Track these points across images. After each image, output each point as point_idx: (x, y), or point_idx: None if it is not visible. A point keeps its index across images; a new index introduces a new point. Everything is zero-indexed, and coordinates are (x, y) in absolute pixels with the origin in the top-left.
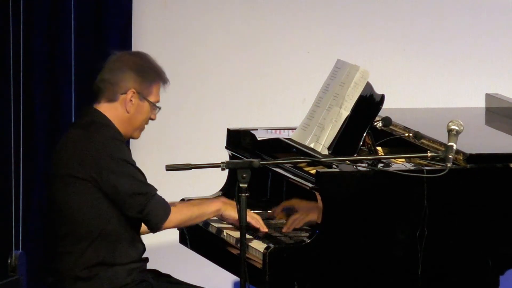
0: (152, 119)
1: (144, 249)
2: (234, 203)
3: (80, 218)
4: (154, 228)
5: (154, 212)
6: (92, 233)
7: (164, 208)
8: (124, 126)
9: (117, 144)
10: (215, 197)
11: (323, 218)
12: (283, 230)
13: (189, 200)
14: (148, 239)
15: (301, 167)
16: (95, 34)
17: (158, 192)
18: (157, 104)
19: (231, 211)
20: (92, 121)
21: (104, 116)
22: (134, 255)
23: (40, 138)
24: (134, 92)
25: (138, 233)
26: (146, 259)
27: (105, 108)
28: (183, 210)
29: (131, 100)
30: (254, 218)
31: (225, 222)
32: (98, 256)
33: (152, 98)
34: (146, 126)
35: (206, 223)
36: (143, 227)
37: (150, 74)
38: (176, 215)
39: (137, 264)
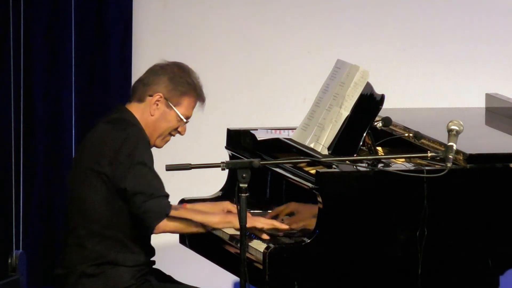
0: (180, 133)
1: (153, 254)
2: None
3: (94, 212)
4: (148, 228)
5: (149, 212)
6: (104, 229)
7: (162, 210)
8: (148, 130)
9: (139, 144)
10: (219, 203)
11: (322, 218)
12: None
13: (189, 200)
14: None
15: (301, 167)
16: (95, 34)
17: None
18: (187, 119)
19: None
20: (122, 119)
21: (133, 115)
22: (142, 259)
23: (40, 137)
24: (161, 97)
25: (149, 237)
26: (153, 262)
27: (134, 108)
28: (184, 216)
29: (157, 104)
30: (267, 223)
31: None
32: (108, 254)
33: (180, 110)
34: (172, 138)
35: None
36: None
37: (183, 85)
38: (176, 220)
39: (143, 266)
